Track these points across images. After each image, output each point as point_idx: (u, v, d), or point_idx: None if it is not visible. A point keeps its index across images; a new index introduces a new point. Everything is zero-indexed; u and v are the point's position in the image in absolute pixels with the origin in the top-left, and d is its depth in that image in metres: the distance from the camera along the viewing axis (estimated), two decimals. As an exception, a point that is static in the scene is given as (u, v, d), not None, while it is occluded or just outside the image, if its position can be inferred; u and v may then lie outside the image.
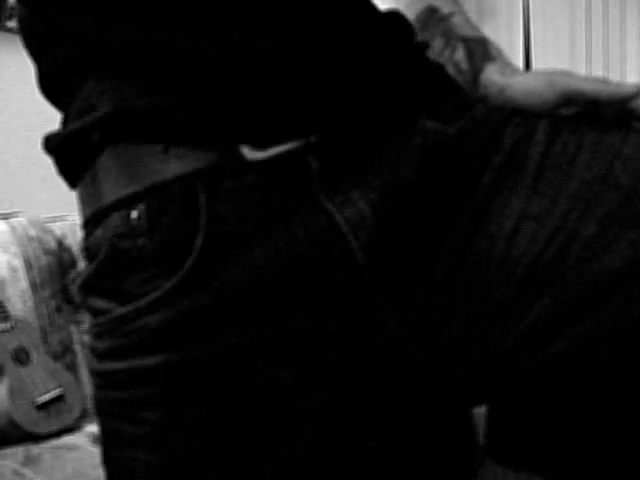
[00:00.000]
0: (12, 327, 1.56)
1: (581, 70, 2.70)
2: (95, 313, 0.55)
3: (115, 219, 0.52)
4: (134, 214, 0.51)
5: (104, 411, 0.55)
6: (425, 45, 0.65)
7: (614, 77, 2.65)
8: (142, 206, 0.51)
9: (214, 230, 0.50)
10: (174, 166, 0.51)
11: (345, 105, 0.54)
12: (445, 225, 0.55)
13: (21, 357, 1.54)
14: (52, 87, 0.57)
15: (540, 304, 0.53)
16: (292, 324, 0.52)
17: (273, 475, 0.52)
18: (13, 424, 1.45)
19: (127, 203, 0.52)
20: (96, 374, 0.55)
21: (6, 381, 1.48)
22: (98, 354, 0.55)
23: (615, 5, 2.66)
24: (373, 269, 0.53)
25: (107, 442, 0.56)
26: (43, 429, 1.48)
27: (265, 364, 0.51)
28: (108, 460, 0.56)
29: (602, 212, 0.53)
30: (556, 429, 0.64)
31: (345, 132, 0.54)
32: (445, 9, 0.70)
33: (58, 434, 1.49)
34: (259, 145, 0.51)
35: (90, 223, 0.55)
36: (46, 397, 1.52)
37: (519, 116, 0.60)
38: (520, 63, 2.49)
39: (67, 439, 1.48)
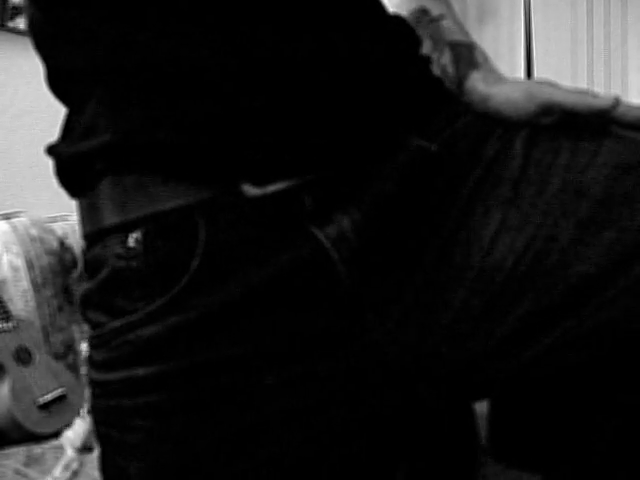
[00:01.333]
0: (14, 327, 1.56)
1: (583, 69, 2.69)
2: (93, 326, 0.56)
3: (113, 241, 0.54)
4: (131, 239, 0.53)
5: (100, 419, 0.57)
6: (428, 59, 0.66)
7: (616, 76, 2.64)
8: (140, 232, 0.53)
9: (210, 255, 0.52)
10: (174, 196, 0.53)
11: (342, 142, 0.55)
12: (425, 237, 0.57)
13: (23, 357, 1.54)
14: (60, 87, 0.59)
15: (519, 309, 0.55)
16: (280, 334, 0.53)
17: (261, 478, 0.53)
18: (15, 424, 1.45)
19: (125, 228, 0.53)
20: (93, 383, 0.57)
21: (8, 381, 1.48)
22: (95, 364, 0.56)
23: (617, 4, 2.66)
24: (355, 281, 0.55)
25: (103, 450, 0.57)
26: (45, 429, 1.49)
27: (254, 372, 0.53)
28: (105, 467, 0.57)
29: (576, 220, 0.55)
30: (556, 428, 0.65)
31: (340, 166, 0.55)
32: (435, 11, 0.71)
33: (60, 434, 1.50)
34: (258, 182, 0.53)
35: (89, 239, 0.57)
36: (48, 397, 1.52)
37: (500, 127, 0.61)
38: (521, 62, 2.49)
39: (69, 439, 1.48)
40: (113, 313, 0.54)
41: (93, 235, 0.56)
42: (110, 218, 0.54)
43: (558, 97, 0.60)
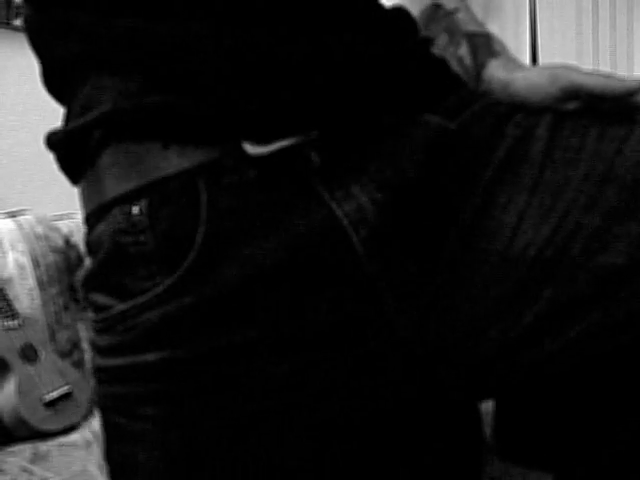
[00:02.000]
0: (20, 325, 1.56)
1: (588, 65, 2.68)
2: (97, 309, 0.55)
3: (116, 215, 0.52)
4: (135, 210, 0.51)
5: (105, 406, 0.56)
6: (429, 40, 0.65)
7: (621, 72, 2.63)
8: (143, 201, 0.51)
9: (215, 225, 0.50)
10: (175, 161, 0.51)
11: (347, 100, 0.54)
12: (446, 221, 0.55)
13: (29, 354, 1.54)
14: (55, 83, 0.58)
15: (542, 300, 0.53)
16: (292, 318, 0.52)
17: (272, 469, 0.52)
18: (21, 421, 1.45)
19: (128, 198, 0.52)
20: (97, 369, 0.56)
21: (14, 378, 1.48)
22: (99, 350, 0.55)
23: (622, 1, 2.65)
24: (373, 264, 0.53)
25: (108, 437, 0.56)
26: (51, 426, 1.48)
27: (266, 359, 0.51)
28: (110, 455, 0.56)
29: (604, 207, 0.53)
30: (564, 426, 0.64)
31: (347, 127, 0.53)
32: (449, 5, 0.70)
33: (66, 431, 1.50)
34: (261, 140, 0.51)
35: (92, 219, 0.56)
36: (54, 394, 1.52)
37: (522, 111, 0.59)
38: (527, 59, 2.48)
39: (75, 436, 1.48)
40: (119, 295, 0.53)
41: (95, 213, 0.55)
42: (113, 190, 0.53)
43: (583, 80, 0.59)
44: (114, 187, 0.53)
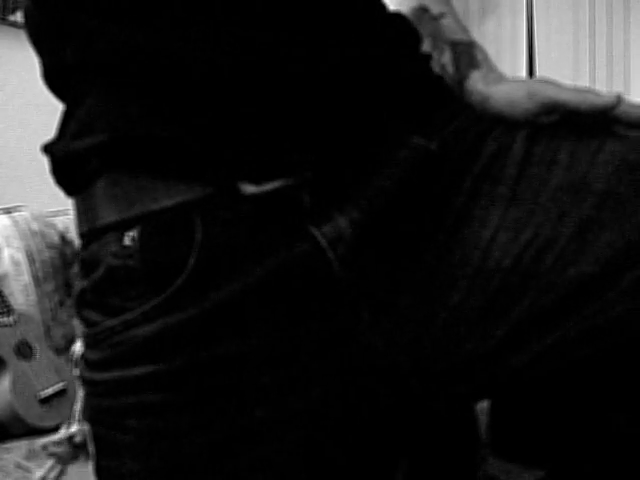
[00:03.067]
0: (15, 321, 1.56)
1: (585, 64, 2.68)
2: (87, 324, 0.56)
3: (109, 239, 0.53)
4: (127, 239, 0.52)
5: (94, 419, 0.56)
6: (429, 57, 0.65)
7: (618, 71, 2.63)
8: (136, 230, 0.52)
9: (207, 253, 0.51)
10: (171, 195, 0.52)
11: (340, 140, 0.55)
12: (423, 235, 0.56)
13: (24, 351, 1.54)
14: (55, 83, 0.58)
15: (517, 310, 0.55)
16: (276, 334, 0.53)
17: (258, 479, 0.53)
18: (16, 418, 1.45)
19: (121, 227, 0.53)
20: (86, 383, 0.57)
21: (9, 375, 1.48)
22: (89, 364, 0.56)
23: (619, 0, 2.64)
24: (350, 280, 0.54)
25: (97, 450, 0.57)
26: (46, 423, 1.49)
27: (250, 372, 0.52)
28: (99, 469, 0.57)
29: (577, 218, 0.54)
30: (558, 424, 0.65)
31: (339, 163, 0.55)
32: (436, 9, 0.70)
33: (60, 428, 1.50)
34: (255, 181, 0.52)
35: (85, 237, 0.57)
36: (49, 391, 1.53)
37: (501, 126, 0.61)
38: (523, 59, 2.48)
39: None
40: (108, 312, 0.54)
41: (89, 233, 0.56)
42: (106, 217, 0.54)
43: (560, 95, 0.59)
44: (108, 214, 0.54)
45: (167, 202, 0.52)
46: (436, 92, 0.63)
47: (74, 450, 1.24)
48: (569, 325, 0.54)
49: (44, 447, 1.26)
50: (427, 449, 0.58)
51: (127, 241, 0.52)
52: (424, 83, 0.62)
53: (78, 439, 1.26)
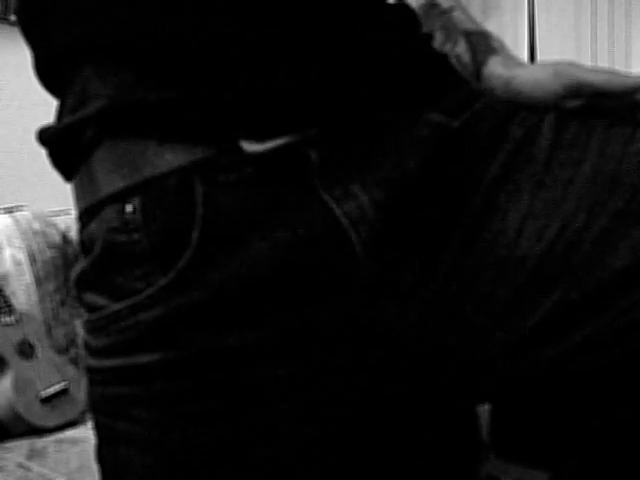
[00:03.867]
0: (17, 321, 1.56)
1: (587, 62, 2.68)
2: (89, 309, 0.54)
3: (110, 213, 0.51)
4: (129, 208, 0.50)
5: (98, 408, 0.55)
6: (430, 36, 0.64)
7: (619, 69, 2.63)
8: (137, 199, 0.50)
9: (211, 224, 0.49)
10: (170, 159, 0.50)
11: (347, 96, 0.53)
12: (448, 221, 0.54)
13: (25, 351, 1.54)
14: (48, 73, 0.57)
15: (547, 303, 0.52)
16: (290, 320, 0.51)
17: (268, 469, 0.52)
18: (18, 417, 1.45)
19: (122, 196, 0.51)
20: (90, 370, 0.55)
21: (11, 374, 1.48)
22: (92, 350, 0.54)
23: (622, -3, 2.64)
24: (374, 265, 0.52)
25: (101, 439, 0.55)
26: (47, 422, 1.48)
27: (263, 362, 0.51)
28: (102, 457, 0.56)
29: (609, 210, 0.52)
30: (559, 424, 0.64)
31: (347, 123, 0.52)
32: (445, 3, 0.69)
33: (62, 428, 1.50)
34: (258, 138, 0.50)
35: (84, 216, 0.55)
36: (50, 391, 1.52)
37: (525, 109, 0.58)
38: (525, 58, 2.48)
39: (71, 433, 1.48)
40: (112, 294, 0.52)
41: (88, 210, 0.54)
42: (106, 187, 0.52)
43: (587, 77, 0.58)
44: (107, 184, 0.52)
45: (167, 167, 0.50)
46: (445, 72, 0.62)
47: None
48: (602, 321, 0.52)
49: None
50: (428, 448, 0.57)
51: (129, 212, 0.50)
52: (432, 61, 0.61)
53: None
